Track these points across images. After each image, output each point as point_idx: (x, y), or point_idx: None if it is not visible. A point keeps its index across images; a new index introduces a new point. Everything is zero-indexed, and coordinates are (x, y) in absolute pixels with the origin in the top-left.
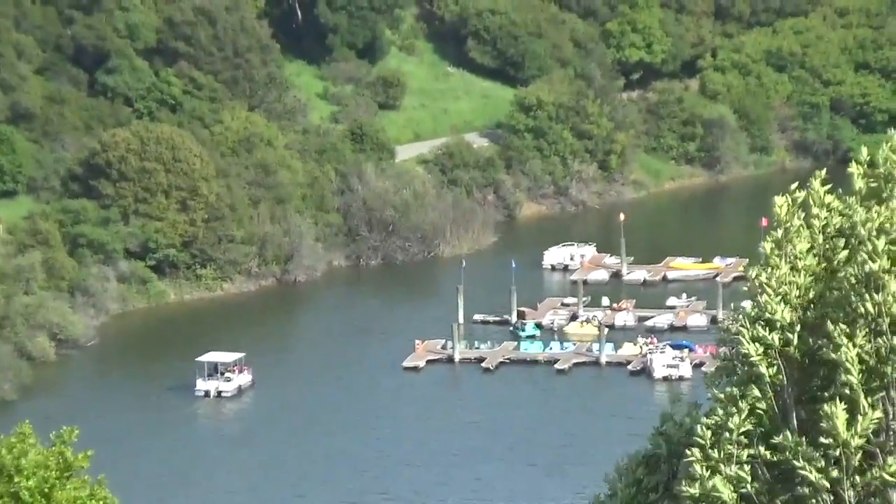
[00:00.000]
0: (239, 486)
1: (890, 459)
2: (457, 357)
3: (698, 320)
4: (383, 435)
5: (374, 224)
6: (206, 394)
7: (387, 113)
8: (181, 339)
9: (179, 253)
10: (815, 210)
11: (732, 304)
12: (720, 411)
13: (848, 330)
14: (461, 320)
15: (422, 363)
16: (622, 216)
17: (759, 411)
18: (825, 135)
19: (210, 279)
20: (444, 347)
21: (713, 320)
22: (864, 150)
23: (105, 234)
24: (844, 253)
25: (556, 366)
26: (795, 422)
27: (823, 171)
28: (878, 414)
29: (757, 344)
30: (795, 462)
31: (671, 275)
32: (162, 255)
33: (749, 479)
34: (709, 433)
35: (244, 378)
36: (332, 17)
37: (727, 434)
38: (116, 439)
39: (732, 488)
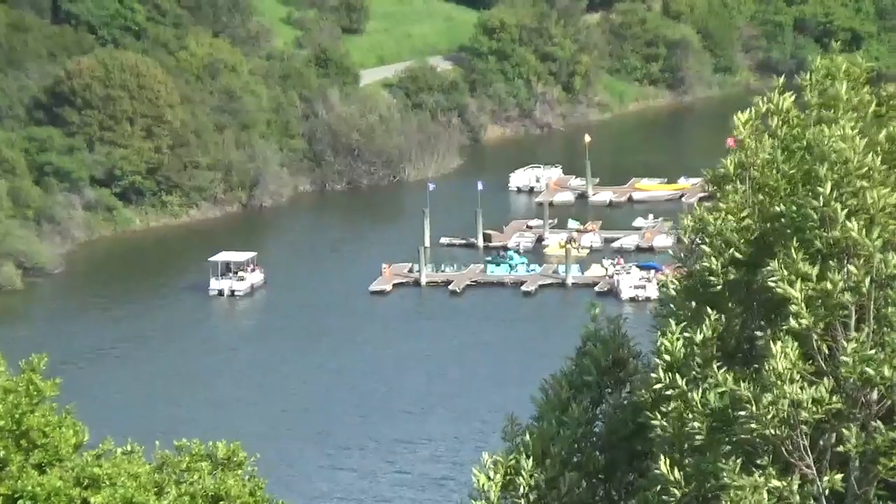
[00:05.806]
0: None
1: (835, 398)
2: (423, 280)
3: (664, 241)
4: (361, 356)
5: (339, 149)
6: (220, 293)
7: (350, 37)
8: (147, 265)
9: (145, 180)
10: (774, 121)
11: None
12: (690, 329)
13: (793, 264)
14: (427, 244)
15: (389, 287)
16: (587, 138)
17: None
18: (789, 54)
19: (176, 206)
20: (410, 271)
21: (679, 241)
22: (818, 61)
23: (70, 162)
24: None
25: (523, 288)
26: (751, 358)
27: (782, 79)
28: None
29: (719, 275)
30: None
31: (637, 196)
32: (127, 182)
33: (722, 406)
34: (679, 344)
35: (256, 277)
36: None
37: (696, 357)
38: (109, 356)
39: (704, 404)
